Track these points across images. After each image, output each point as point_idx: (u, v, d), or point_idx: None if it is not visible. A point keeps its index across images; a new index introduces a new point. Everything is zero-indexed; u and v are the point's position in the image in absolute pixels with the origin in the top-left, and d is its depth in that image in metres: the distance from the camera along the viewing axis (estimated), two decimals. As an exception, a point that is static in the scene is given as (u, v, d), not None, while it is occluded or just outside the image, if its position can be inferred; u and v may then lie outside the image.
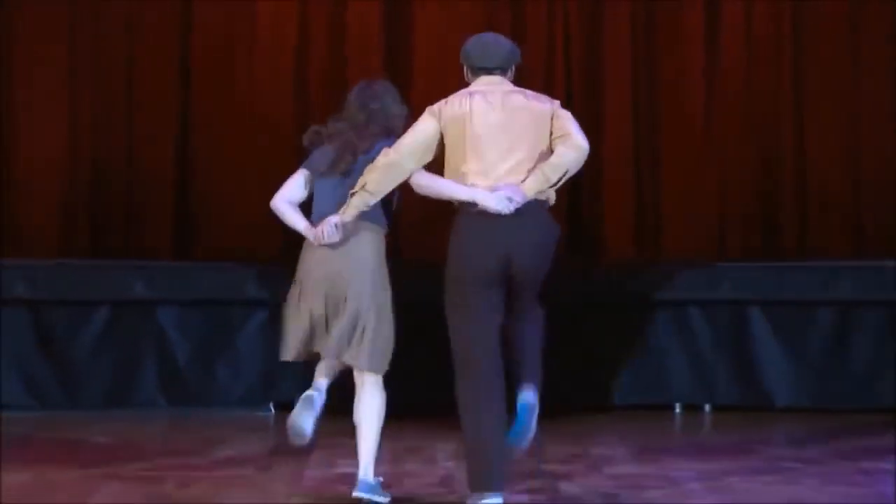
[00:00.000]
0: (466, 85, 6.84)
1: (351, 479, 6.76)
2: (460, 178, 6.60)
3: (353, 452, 6.76)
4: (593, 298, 9.91)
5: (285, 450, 8.00)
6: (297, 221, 6.67)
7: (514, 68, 6.87)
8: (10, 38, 11.11)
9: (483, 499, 6.46)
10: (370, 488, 6.68)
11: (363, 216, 6.62)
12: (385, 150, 6.55)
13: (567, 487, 7.35)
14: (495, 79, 6.77)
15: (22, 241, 11.06)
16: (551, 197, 6.59)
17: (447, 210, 6.75)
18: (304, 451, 7.92)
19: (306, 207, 6.84)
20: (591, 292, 9.93)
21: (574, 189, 10.86)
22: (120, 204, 11.26)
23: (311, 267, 6.66)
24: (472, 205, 6.58)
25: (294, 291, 6.75)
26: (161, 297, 9.81)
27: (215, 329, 9.86)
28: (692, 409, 9.89)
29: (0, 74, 11.11)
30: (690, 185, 11.12)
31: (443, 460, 7.84)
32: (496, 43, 6.92)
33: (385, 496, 6.74)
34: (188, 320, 9.83)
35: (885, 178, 10.95)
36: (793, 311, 9.85)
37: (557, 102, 6.74)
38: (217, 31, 11.23)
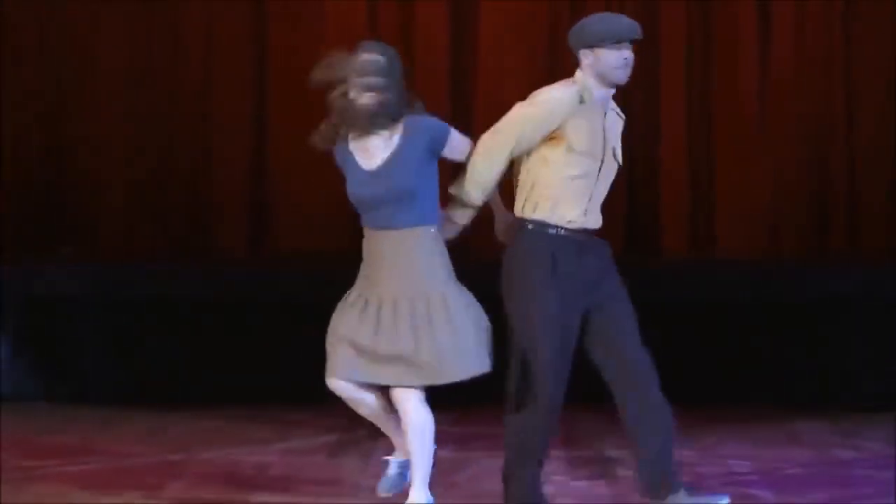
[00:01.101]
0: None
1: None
2: None
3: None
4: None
5: (355, 439, 8.24)
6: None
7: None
8: (93, 40, 11.11)
9: None
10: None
11: None
12: None
13: (625, 472, 7.41)
14: None
15: (99, 240, 11.04)
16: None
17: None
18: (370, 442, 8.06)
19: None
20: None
21: (630, 190, 10.79)
22: (195, 204, 11.24)
23: None
24: None
25: None
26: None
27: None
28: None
29: (83, 74, 11.08)
30: (744, 186, 10.98)
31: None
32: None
33: None
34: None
35: None
36: None
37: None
38: (289, 32, 11.15)
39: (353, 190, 6.04)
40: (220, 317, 10.15)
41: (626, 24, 6.07)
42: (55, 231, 11.12)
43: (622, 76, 6.06)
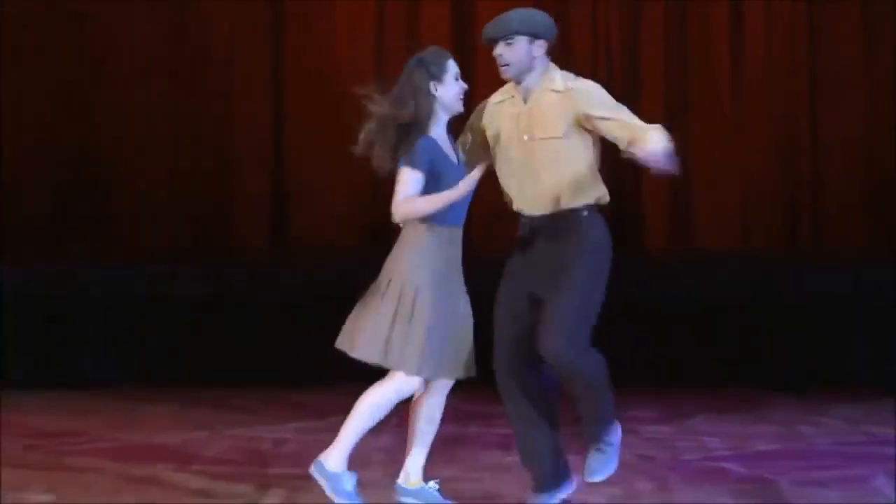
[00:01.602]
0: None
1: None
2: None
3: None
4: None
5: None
6: None
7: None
8: (119, 40, 11.24)
9: None
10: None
11: None
12: None
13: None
14: None
15: (133, 237, 11.20)
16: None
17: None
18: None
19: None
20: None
21: (617, 192, 11.08)
22: (220, 201, 11.34)
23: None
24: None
25: None
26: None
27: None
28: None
29: (111, 80, 11.21)
30: (719, 186, 11.09)
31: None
32: None
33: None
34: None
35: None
36: None
37: None
38: (303, 32, 11.29)
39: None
40: (240, 309, 10.38)
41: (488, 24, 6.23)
42: (86, 226, 11.22)
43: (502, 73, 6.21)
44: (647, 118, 10.83)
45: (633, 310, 9.91)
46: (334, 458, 6.23)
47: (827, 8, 11.17)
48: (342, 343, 6.23)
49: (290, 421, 8.89)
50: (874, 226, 11.15)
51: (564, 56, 10.28)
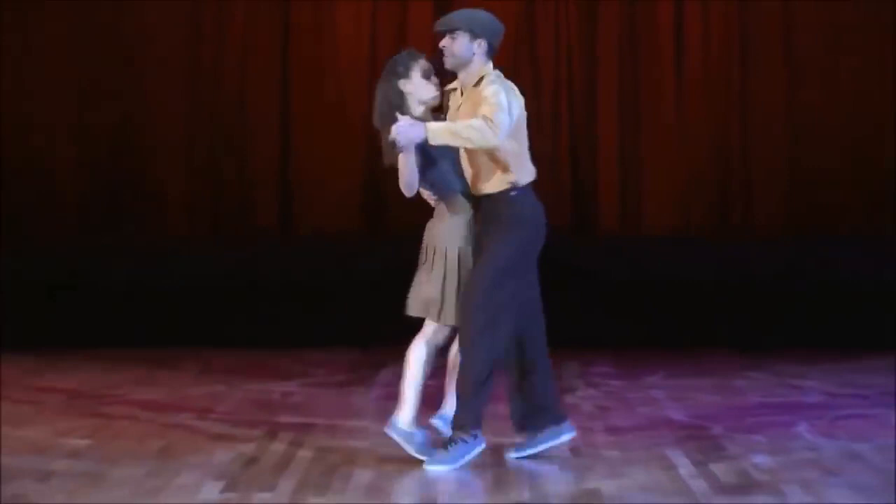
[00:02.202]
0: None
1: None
2: (527, 158, 6.57)
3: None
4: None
5: (360, 377, 8.93)
6: None
7: None
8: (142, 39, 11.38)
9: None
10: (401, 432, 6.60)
11: None
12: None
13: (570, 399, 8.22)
14: None
15: (159, 220, 11.45)
16: None
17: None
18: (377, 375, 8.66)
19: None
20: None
21: (574, 178, 11.20)
22: (233, 188, 11.54)
23: None
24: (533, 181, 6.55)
25: None
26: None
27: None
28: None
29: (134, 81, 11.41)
30: (663, 172, 11.45)
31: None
32: None
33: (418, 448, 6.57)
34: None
35: (817, 166, 11.45)
36: None
37: None
38: (309, 33, 11.41)
39: None
40: (251, 284, 10.81)
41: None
42: (123, 210, 11.48)
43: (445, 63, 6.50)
44: (604, 119, 11.21)
45: (588, 281, 10.52)
46: (403, 417, 6.54)
47: (757, 17, 11.44)
48: (408, 308, 6.54)
49: (296, 378, 9.25)
50: (794, 208, 11.52)
51: (532, 63, 11.04)
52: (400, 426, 6.55)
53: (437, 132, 6.26)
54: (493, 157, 6.44)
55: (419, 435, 6.57)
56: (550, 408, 6.72)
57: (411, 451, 6.52)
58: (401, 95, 6.52)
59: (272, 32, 11.56)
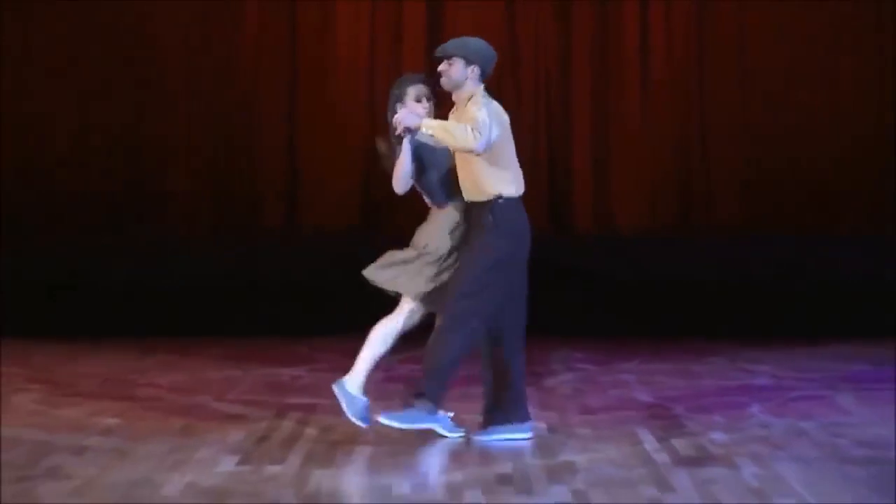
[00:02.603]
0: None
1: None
2: (514, 173, 6.84)
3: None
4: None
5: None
6: None
7: None
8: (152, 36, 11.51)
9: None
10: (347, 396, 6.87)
11: None
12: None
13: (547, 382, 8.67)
14: None
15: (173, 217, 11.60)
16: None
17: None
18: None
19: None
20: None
21: (551, 179, 11.37)
22: (243, 185, 11.71)
23: None
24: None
25: None
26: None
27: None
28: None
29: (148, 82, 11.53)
30: (631, 172, 11.73)
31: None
32: None
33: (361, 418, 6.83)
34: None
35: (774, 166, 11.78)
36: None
37: None
38: (314, 35, 11.62)
39: None
40: (262, 276, 10.93)
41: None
42: (132, 209, 11.56)
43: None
44: (578, 124, 11.41)
45: (569, 277, 10.75)
46: (353, 382, 6.87)
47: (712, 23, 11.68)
48: (368, 272, 6.85)
49: (304, 363, 9.46)
50: (752, 207, 11.85)
51: (513, 72, 11.21)
52: (347, 388, 6.87)
53: (431, 124, 6.69)
54: (483, 169, 6.79)
55: (360, 402, 6.87)
56: (517, 407, 7.04)
57: (349, 413, 6.84)
58: None
59: (280, 33, 11.64)
